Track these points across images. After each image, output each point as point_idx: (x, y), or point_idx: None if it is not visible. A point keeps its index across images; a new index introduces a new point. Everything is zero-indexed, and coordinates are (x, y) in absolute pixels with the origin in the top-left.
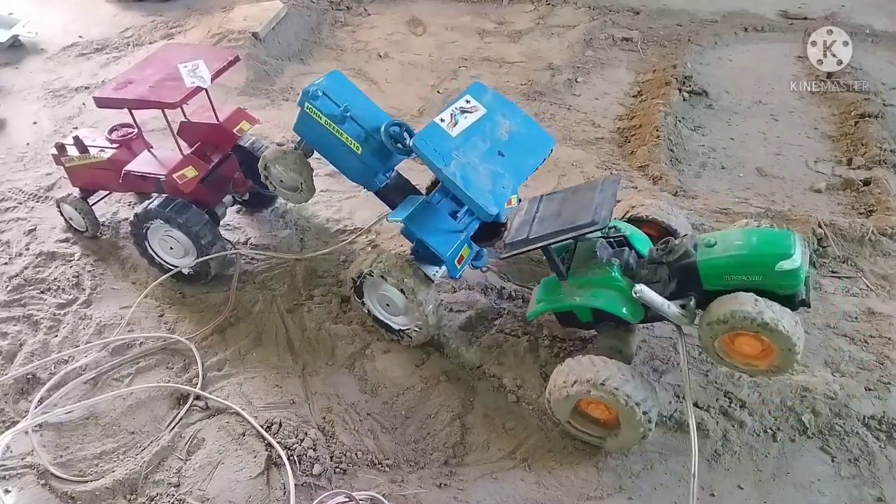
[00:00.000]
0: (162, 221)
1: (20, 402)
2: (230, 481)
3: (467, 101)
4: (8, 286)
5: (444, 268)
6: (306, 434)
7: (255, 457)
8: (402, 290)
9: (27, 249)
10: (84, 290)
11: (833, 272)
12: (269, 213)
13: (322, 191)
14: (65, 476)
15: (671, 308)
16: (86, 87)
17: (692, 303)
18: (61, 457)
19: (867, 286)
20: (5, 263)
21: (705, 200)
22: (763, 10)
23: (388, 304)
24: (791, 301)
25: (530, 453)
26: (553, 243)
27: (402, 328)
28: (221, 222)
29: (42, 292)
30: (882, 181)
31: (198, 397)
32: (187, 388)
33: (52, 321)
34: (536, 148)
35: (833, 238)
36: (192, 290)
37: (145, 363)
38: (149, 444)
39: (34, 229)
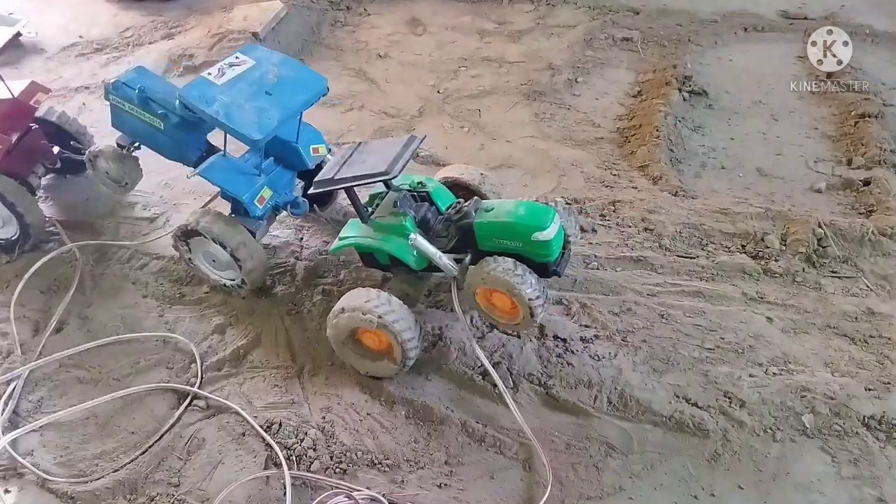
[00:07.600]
0: None
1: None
2: (230, 481)
3: (236, 58)
4: (8, 286)
5: (265, 222)
6: (306, 434)
7: (255, 457)
8: (225, 248)
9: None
10: (84, 290)
11: (833, 272)
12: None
13: None
14: (53, 477)
15: (442, 259)
16: (86, 87)
17: (467, 259)
18: (61, 457)
19: (867, 286)
20: (6, 263)
21: (705, 200)
22: (763, 10)
23: (213, 261)
24: (544, 269)
25: (530, 453)
26: (351, 186)
27: (228, 282)
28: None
29: (42, 292)
30: (882, 181)
31: (197, 397)
32: (187, 388)
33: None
34: (306, 88)
35: (833, 238)
36: (192, 290)
37: (145, 363)
38: (149, 445)
39: None
